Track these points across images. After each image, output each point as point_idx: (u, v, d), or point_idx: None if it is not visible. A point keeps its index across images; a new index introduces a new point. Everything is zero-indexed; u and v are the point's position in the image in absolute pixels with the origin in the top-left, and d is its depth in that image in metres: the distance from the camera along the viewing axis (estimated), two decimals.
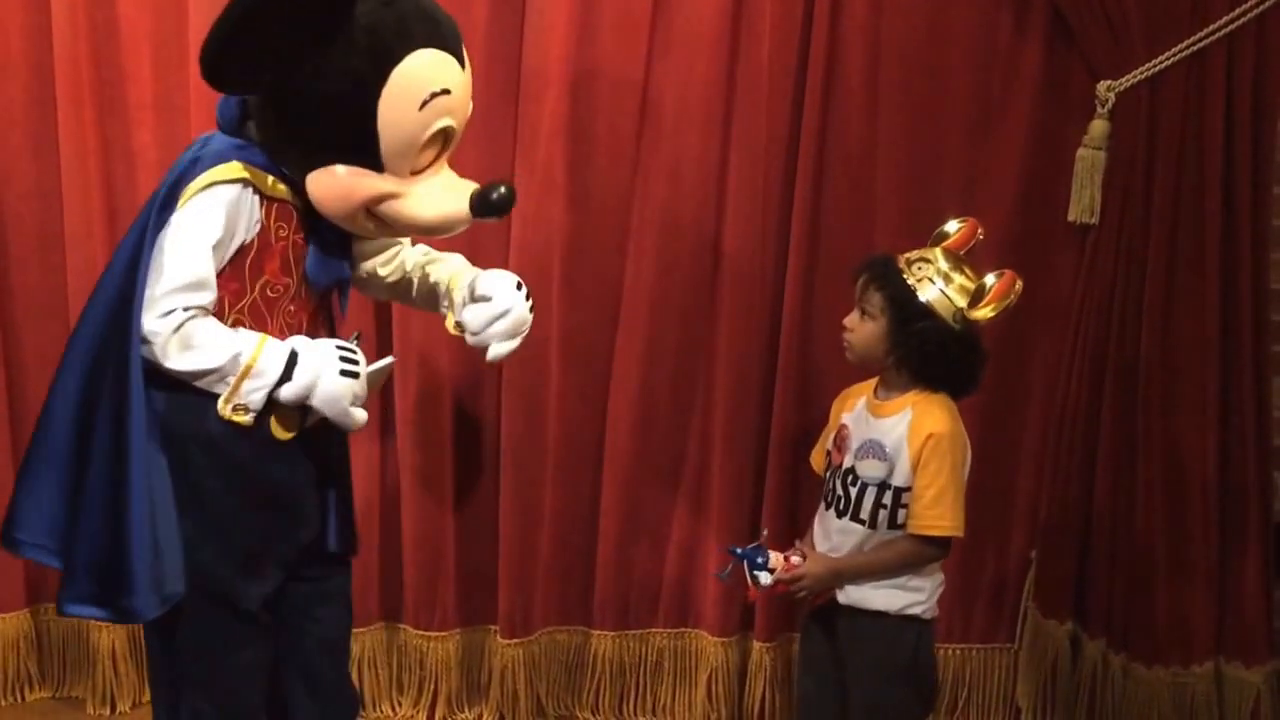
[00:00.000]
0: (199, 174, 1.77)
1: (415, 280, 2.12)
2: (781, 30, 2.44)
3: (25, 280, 2.57)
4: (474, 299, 1.99)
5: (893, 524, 1.98)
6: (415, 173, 1.83)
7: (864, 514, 1.99)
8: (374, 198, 1.79)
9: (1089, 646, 2.57)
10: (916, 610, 2.01)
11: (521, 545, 2.64)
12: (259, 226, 1.81)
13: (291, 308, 1.88)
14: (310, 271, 1.88)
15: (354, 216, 1.81)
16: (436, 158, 1.86)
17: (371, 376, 1.90)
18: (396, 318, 2.57)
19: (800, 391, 2.62)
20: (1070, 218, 2.48)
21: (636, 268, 2.59)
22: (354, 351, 1.86)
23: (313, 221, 1.84)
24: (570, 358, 2.61)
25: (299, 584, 2.04)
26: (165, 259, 1.73)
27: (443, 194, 1.84)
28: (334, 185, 1.77)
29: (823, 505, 2.09)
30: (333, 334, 2.01)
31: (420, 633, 2.71)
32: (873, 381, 2.09)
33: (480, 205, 1.83)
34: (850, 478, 2.01)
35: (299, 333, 1.88)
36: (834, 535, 2.04)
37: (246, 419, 1.79)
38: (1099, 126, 2.43)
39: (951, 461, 1.95)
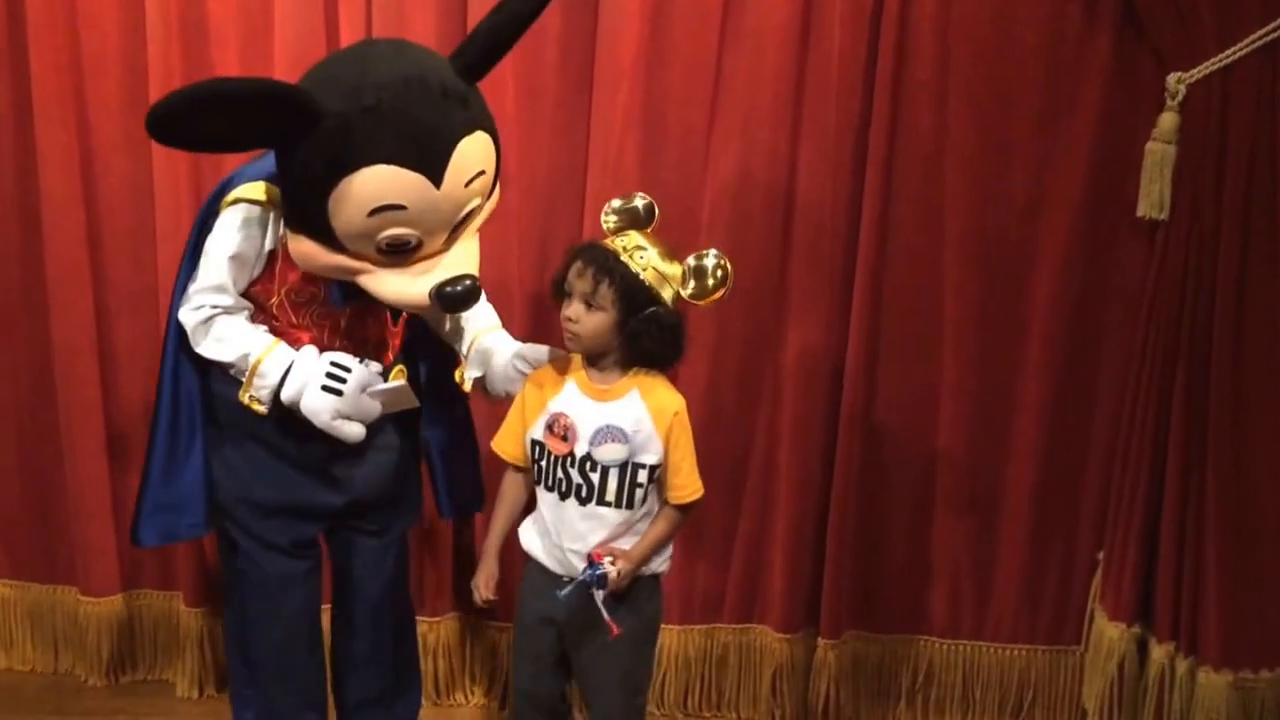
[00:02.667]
0: (234, 188, 1.97)
1: (447, 318, 2.23)
2: (852, 21, 2.45)
3: (118, 274, 2.66)
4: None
5: (634, 498, 2.03)
6: (414, 254, 1.90)
7: (610, 496, 2.02)
8: (337, 268, 1.90)
9: (1156, 650, 2.54)
10: (664, 568, 2.14)
11: None
12: (282, 241, 1.96)
13: (322, 310, 2.04)
14: (334, 293, 2.02)
15: (325, 274, 1.95)
16: (453, 237, 1.93)
17: (383, 397, 2.02)
18: None
19: (869, 384, 2.64)
20: (1139, 213, 2.46)
21: None
22: (345, 370, 1.99)
23: None
24: None
25: (355, 535, 2.27)
26: (202, 262, 2.01)
27: (407, 281, 1.91)
28: (299, 250, 1.91)
29: (554, 496, 2.06)
30: (381, 342, 2.16)
31: (495, 624, 2.77)
32: (569, 365, 2.09)
33: (438, 298, 1.90)
34: (589, 464, 2.02)
35: (332, 333, 2.07)
36: (578, 523, 2.04)
37: (261, 409, 2.02)
38: (1169, 119, 2.40)
39: (690, 433, 2.05)
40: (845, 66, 2.47)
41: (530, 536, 2.13)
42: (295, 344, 2.05)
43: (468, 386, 2.20)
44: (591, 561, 1.98)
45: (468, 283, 1.90)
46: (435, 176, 1.80)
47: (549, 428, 2.05)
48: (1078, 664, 2.73)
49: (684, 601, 2.78)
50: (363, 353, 2.10)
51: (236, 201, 1.97)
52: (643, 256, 1.99)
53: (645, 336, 1.98)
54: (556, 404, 2.05)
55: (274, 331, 2.05)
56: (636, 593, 2.07)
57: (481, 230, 2.52)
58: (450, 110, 1.81)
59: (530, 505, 2.16)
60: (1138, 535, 2.53)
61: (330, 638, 2.39)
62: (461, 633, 2.80)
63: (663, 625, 2.73)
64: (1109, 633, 2.58)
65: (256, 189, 1.96)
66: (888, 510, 2.74)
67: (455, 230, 1.93)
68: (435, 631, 2.77)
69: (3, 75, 2.61)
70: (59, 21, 2.51)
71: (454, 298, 1.90)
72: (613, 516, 2.03)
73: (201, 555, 2.74)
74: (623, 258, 1.98)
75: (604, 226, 2.08)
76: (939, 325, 2.62)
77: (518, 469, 2.16)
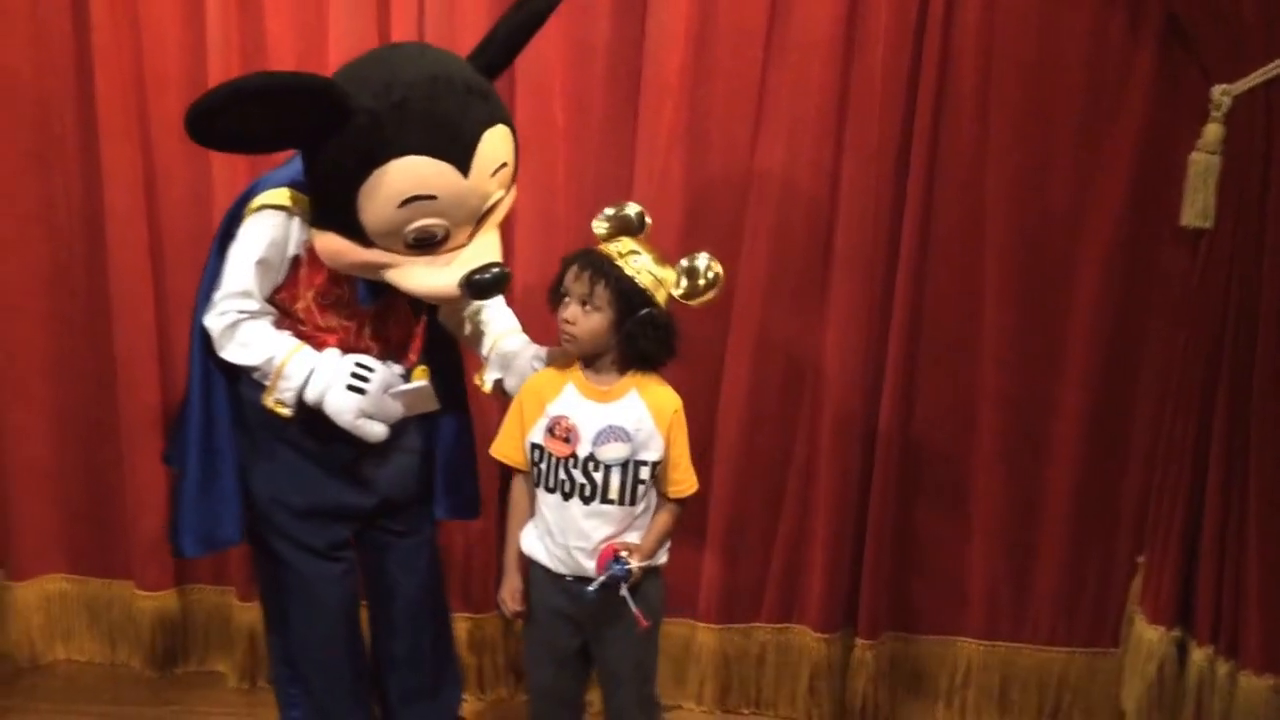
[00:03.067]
0: (257, 195, 2.00)
1: (467, 321, 2.27)
2: (895, 36, 2.46)
3: (178, 282, 2.70)
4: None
5: (637, 494, 2.07)
6: (439, 246, 1.93)
7: (613, 494, 2.05)
8: (364, 264, 1.93)
9: (1196, 653, 2.53)
10: (664, 560, 2.17)
11: None
12: (305, 246, 2.00)
13: (349, 311, 2.07)
14: (360, 291, 2.06)
15: (349, 272, 1.98)
16: (476, 229, 1.97)
17: (405, 398, 2.05)
18: None
19: (908, 389, 2.65)
20: (1183, 222, 2.45)
21: (750, 270, 2.63)
22: (369, 370, 2.02)
23: None
24: (682, 355, 2.60)
25: (386, 535, 2.31)
26: (225, 268, 2.03)
27: (434, 272, 1.95)
28: (327, 248, 1.94)
29: (556, 498, 2.08)
30: (405, 342, 2.19)
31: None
32: (565, 370, 2.12)
33: (468, 287, 1.94)
34: (591, 464, 2.05)
35: (358, 334, 2.10)
36: (582, 521, 2.07)
37: (285, 412, 2.04)
38: (1213, 130, 2.38)
39: (686, 430, 2.12)
40: (888, 80, 2.48)
41: (531, 541, 2.16)
42: (321, 347, 2.07)
43: (488, 389, 2.23)
44: (616, 557, 2.02)
45: (496, 270, 1.94)
46: (463, 166, 1.85)
47: (550, 431, 2.07)
48: (1116, 667, 2.72)
49: (724, 601, 2.80)
50: (388, 353, 2.14)
51: (261, 208, 2.00)
52: (636, 260, 2.03)
53: (641, 337, 2.02)
54: (556, 407, 2.08)
55: (301, 335, 2.07)
56: (644, 585, 2.11)
57: (529, 241, 2.59)
58: (474, 104, 1.88)
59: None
60: (1178, 538, 2.52)
61: (370, 637, 2.42)
62: (504, 629, 2.84)
63: (703, 624, 2.81)
64: (1148, 635, 2.57)
65: (280, 195, 2.00)
66: (926, 513, 2.75)
67: (479, 223, 1.97)
68: (480, 628, 2.82)
69: (69, 94, 2.67)
70: (124, 41, 2.57)
71: (484, 285, 1.94)
72: (616, 513, 2.07)
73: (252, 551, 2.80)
74: (617, 261, 2.02)
75: (596, 233, 2.10)
76: (979, 333, 2.63)
77: (522, 475, 2.18)
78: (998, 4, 2.45)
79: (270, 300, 2.07)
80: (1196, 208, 2.42)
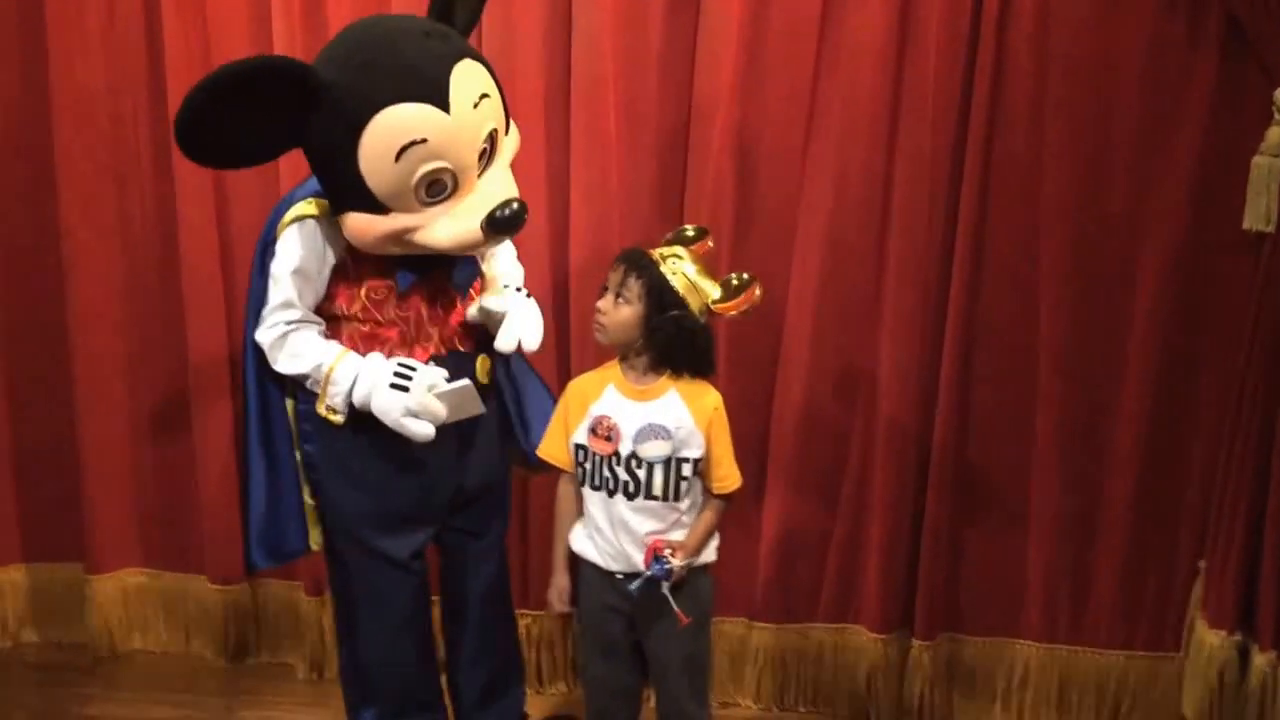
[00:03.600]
0: (285, 213, 2.06)
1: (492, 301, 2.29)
2: (948, 43, 2.45)
3: (247, 290, 2.77)
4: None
5: (680, 490, 2.11)
6: (455, 194, 1.96)
7: (657, 491, 2.10)
8: (389, 234, 1.96)
9: (1258, 658, 2.50)
10: (714, 558, 2.21)
11: None
12: (345, 248, 2.05)
13: (400, 303, 2.12)
14: (399, 281, 2.10)
15: (382, 248, 2.01)
16: (484, 168, 2.00)
17: (449, 399, 2.08)
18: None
19: (964, 396, 2.64)
20: (1245, 225, 2.40)
21: (802, 277, 2.64)
22: (411, 369, 2.05)
23: None
24: (736, 364, 2.67)
25: (460, 536, 2.35)
26: (269, 284, 2.08)
27: (456, 220, 1.97)
28: (352, 229, 1.98)
29: (602, 495, 2.13)
30: (458, 329, 2.20)
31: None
32: (606, 372, 2.15)
33: (489, 226, 1.97)
34: (634, 462, 2.09)
35: (416, 324, 2.13)
36: (629, 517, 2.11)
37: (337, 419, 2.09)
38: (1276, 133, 2.33)
39: (728, 427, 2.15)
40: (941, 87, 2.47)
41: (581, 540, 2.20)
42: (385, 343, 2.11)
43: (471, 313, 2.24)
44: (656, 556, 2.05)
45: (514, 205, 1.97)
46: (441, 103, 1.88)
47: (592, 430, 2.13)
48: (1177, 671, 2.69)
49: (780, 601, 2.82)
50: (444, 340, 2.17)
51: (291, 222, 2.06)
52: (677, 264, 2.09)
53: (662, 333, 2.06)
54: (598, 408, 2.13)
55: (363, 336, 2.12)
56: (693, 582, 2.15)
57: (583, 247, 2.60)
58: (434, 45, 1.92)
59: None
60: (1240, 544, 2.49)
61: (442, 638, 2.48)
62: (563, 626, 2.88)
63: (759, 623, 2.83)
64: (1210, 640, 2.54)
65: (307, 206, 2.06)
66: (982, 517, 2.74)
67: (483, 162, 2.00)
68: (538, 624, 2.87)
69: (144, 111, 2.78)
70: (195, 60, 2.66)
71: (504, 220, 1.96)
72: (660, 509, 2.11)
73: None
74: (658, 261, 2.08)
75: (662, 242, 2.17)
76: (1035, 340, 2.61)
77: (568, 476, 2.22)
78: (1053, 10, 2.43)
79: (326, 307, 2.13)
80: (1259, 211, 2.38)
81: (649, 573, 2.05)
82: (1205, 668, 2.57)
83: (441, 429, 2.08)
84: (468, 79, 1.92)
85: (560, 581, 2.25)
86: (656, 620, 2.15)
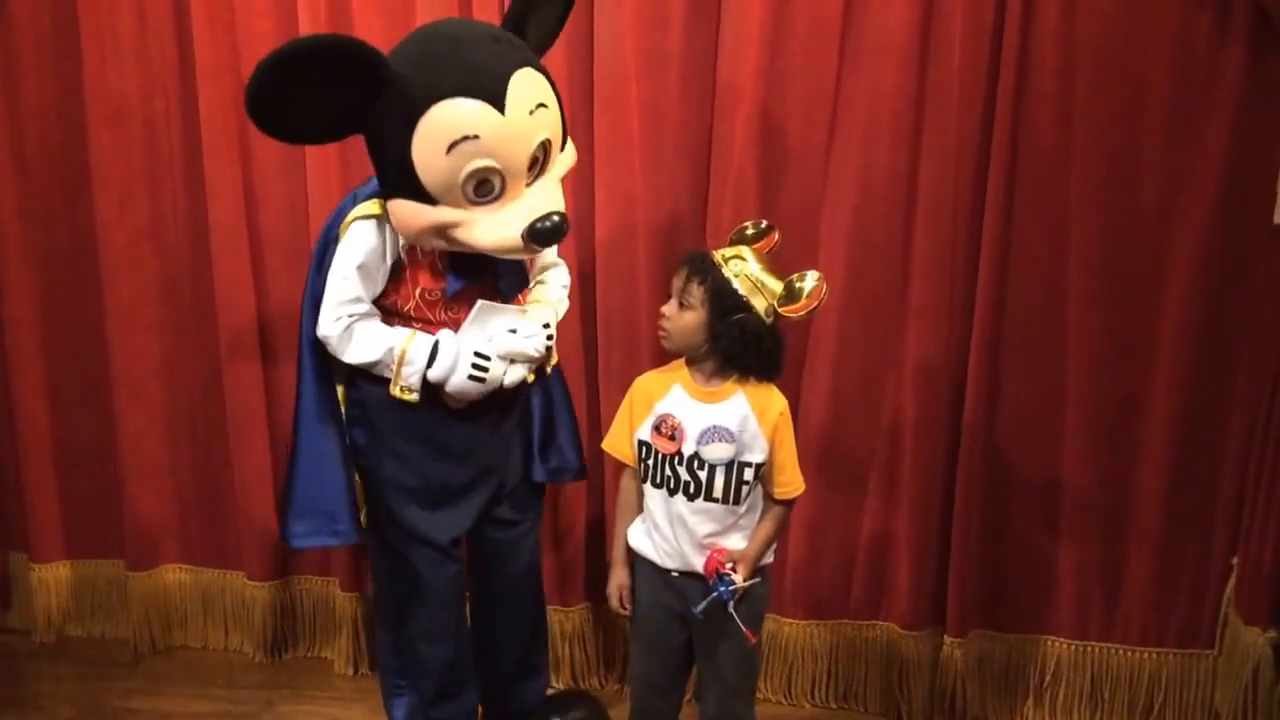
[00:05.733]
0: (348, 213, 2.14)
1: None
2: (972, 38, 2.44)
3: (277, 290, 2.84)
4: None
5: (741, 494, 2.10)
6: (502, 197, 2.01)
7: (717, 493, 2.09)
8: (432, 226, 2.01)
9: None
10: (770, 559, 2.21)
11: None
12: (405, 249, 2.12)
13: (455, 304, 2.19)
14: (448, 282, 2.16)
15: (422, 240, 2.06)
16: (534, 178, 2.05)
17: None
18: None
19: (991, 392, 2.63)
20: (1276, 221, 2.39)
21: (828, 273, 2.52)
22: (486, 359, 2.15)
23: None
24: None
25: (496, 524, 2.42)
26: (331, 280, 2.16)
27: (499, 224, 2.02)
28: (398, 215, 2.05)
29: (663, 493, 2.13)
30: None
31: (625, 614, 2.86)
32: (674, 372, 2.15)
33: (529, 235, 2.01)
34: (696, 462, 2.08)
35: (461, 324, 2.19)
36: (688, 517, 2.11)
37: (413, 397, 2.17)
38: None
39: (792, 433, 2.14)
40: (965, 83, 2.46)
41: (639, 537, 2.22)
42: None
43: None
44: (720, 575, 2.04)
45: (555, 218, 2.01)
46: (498, 104, 1.93)
47: (656, 429, 2.14)
48: (1210, 668, 2.68)
49: (812, 597, 2.82)
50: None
51: (355, 220, 2.13)
52: (739, 265, 2.07)
53: (727, 338, 2.05)
54: (664, 406, 2.14)
55: (437, 332, 2.19)
56: (764, 578, 2.17)
57: (607, 246, 2.62)
58: (500, 50, 1.98)
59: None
60: (1274, 540, 2.46)
61: (474, 623, 2.53)
62: (594, 622, 2.91)
63: (791, 619, 2.84)
64: (1244, 637, 2.53)
65: (370, 206, 2.13)
66: (1013, 513, 2.73)
67: (534, 172, 2.04)
68: (570, 620, 2.89)
69: (176, 116, 2.82)
70: (225, 66, 2.71)
71: (544, 232, 2.01)
72: (720, 511, 2.11)
73: (356, 545, 2.88)
74: (720, 264, 2.06)
75: (728, 241, 2.17)
76: (1063, 335, 2.60)
77: (630, 470, 2.23)
78: (1078, 6, 2.41)
79: (381, 305, 2.20)
80: None
81: (714, 594, 2.04)
82: (1239, 665, 2.55)
83: (485, 418, 2.25)
84: (526, 86, 1.97)
85: (620, 577, 2.26)
86: (714, 626, 2.14)
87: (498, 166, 1.96)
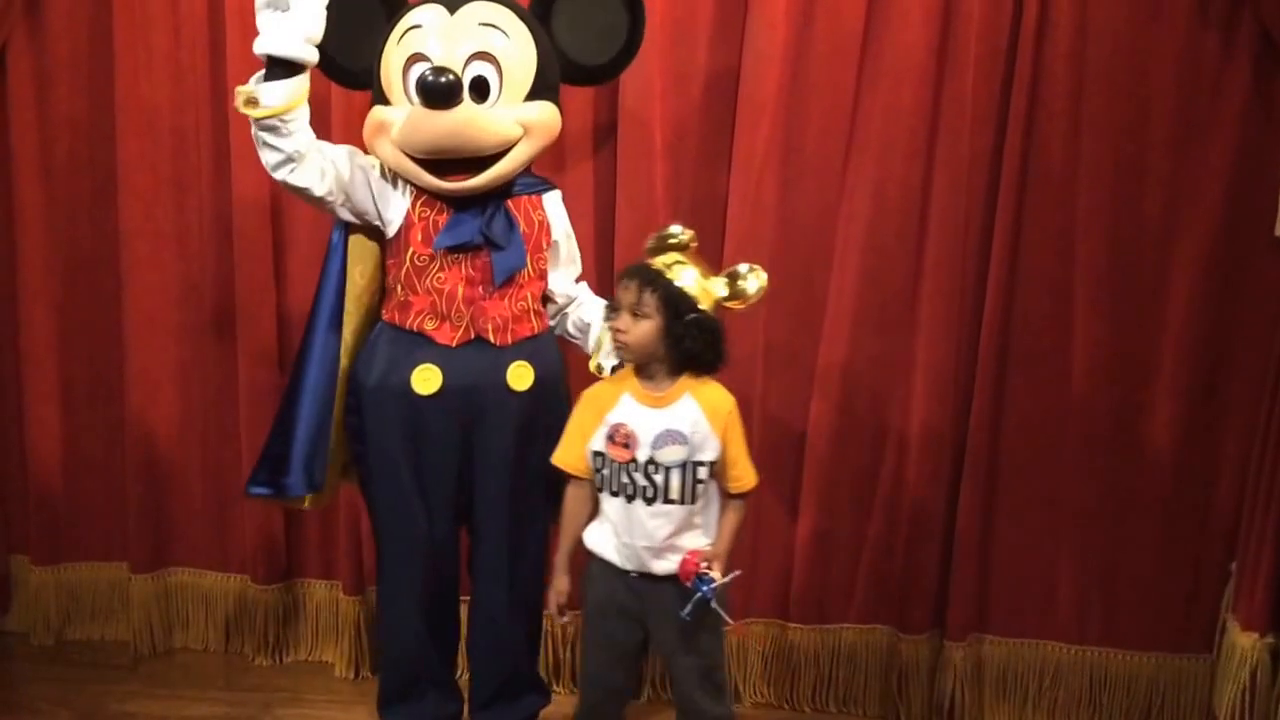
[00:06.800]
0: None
1: (570, 315, 2.43)
2: (987, 59, 2.50)
3: (297, 297, 2.84)
4: None
5: (696, 493, 2.14)
6: None
7: (674, 494, 2.13)
8: (379, 123, 2.18)
9: None
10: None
11: None
12: (406, 208, 2.23)
13: (441, 274, 2.22)
14: (437, 237, 2.21)
15: (380, 150, 2.20)
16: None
17: None
18: None
19: (997, 400, 2.67)
20: (1277, 233, 2.45)
21: (840, 283, 2.68)
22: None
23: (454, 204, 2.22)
24: (775, 367, 2.72)
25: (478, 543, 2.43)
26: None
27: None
28: (367, 126, 2.22)
29: (620, 501, 2.15)
30: (503, 320, 2.28)
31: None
32: (622, 382, 2.18)
33: (418, 86, 2.10)
34: (651, 467, 2.12)
35: (446, 296, 2.23)
36: (647, 521, 2.13)
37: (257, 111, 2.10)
38: None
39: (742, 427, 2.18)
40: (979, 102, 2.52)
41: (597, 537, 2.22)
42: (419, 313, 2.24)
43: (608, 372, 2.31)
44: (699, 575, 2.06)
45: (449, 75, 2.07)
46: (452, 7, 2.16)
47: (610, 438, 2.16)
48: (1208, 672, 2.71)
49: (813, 601, 2.84)
50: (477, 328, 2.25)
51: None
52: (681, 270, 2.12)
53: (688, 338, 2.09)
54: (615, 415, 2.15)
55: (399, 304, 2.25)
56: (730, 581, 2.17)
57: (629, 256, 2.59)
58: None
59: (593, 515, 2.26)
60: (1272, 545, 2.49)
61: (467, 627, 2.52)
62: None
63: (792, 624, 2.85)
64: (1241, 642, 2.55)
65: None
66: (1014, 519, 2.76)
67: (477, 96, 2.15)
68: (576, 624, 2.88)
69: (205, 126, 2.83)
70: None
71: (429, 83, 2.06)
72: (678, 512, 2.14)
73: (359, 549, 2.90)
74: (664, 272, 2.11)
75: (646, 249, 2.20)
76: (1069, 345, 2.64)
77: (579, 481, 2.24)
78: (1090, 27, 2.48)
79: (382, 279, 2.31)
80: None
81: (698, 595, 2.06)
82: (1237, 670, 2.57)
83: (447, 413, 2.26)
84: (487, 7, 2.17)
85: (561, 581, 2.27)
86: (669, 614, 2.16)
87: (427, 55, 2.10)
